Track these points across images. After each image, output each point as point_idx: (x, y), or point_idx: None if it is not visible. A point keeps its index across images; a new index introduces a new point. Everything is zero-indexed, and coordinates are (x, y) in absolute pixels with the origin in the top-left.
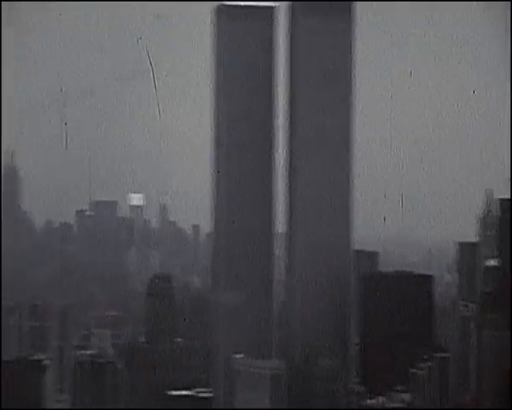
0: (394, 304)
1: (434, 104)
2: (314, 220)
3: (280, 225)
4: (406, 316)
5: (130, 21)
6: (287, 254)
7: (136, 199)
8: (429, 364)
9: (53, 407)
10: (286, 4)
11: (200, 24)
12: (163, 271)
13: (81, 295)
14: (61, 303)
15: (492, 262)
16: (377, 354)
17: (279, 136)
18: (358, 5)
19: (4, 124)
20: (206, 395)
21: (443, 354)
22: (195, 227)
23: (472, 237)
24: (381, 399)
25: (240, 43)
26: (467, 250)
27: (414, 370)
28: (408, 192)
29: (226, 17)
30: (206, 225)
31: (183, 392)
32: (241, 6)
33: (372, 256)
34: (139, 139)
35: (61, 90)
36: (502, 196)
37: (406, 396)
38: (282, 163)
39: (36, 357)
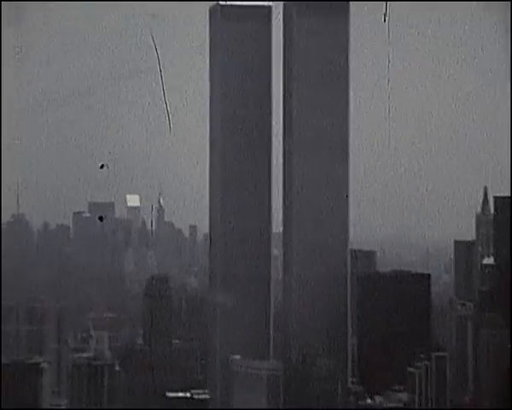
0: (392, 304)
1: (432, 104)
2: (311, 220)
3: (277, 225)
4: (404, 315)
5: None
6: (284, 254)
7: (134, 200)
8: (427, 363)
9: None
10: (282, 4)
11: (197, 24)
12: (160, 272)
13: (78, 297)
14: (59, 305)
15: (489, 260)
16: (375, 354)
17: (276, 136)
18: (355, 5)
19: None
20: (203, 396)
21: (440, 354)
22: (193, 228)
23: (469, 235)
24: (378, 399)
25: (235, 44)
26: (464, 249)
27: (411, 369)
28: (405, 191)
29: (221, 17)
30: (204, 226)
31: (181, 394)
32: (236, 6)
33: (369, 256)
34: (136, 139)
35: (58, 90)
36: (498, 195)
37: (404, 396)
38: (279, 163)
39: (33, 360)
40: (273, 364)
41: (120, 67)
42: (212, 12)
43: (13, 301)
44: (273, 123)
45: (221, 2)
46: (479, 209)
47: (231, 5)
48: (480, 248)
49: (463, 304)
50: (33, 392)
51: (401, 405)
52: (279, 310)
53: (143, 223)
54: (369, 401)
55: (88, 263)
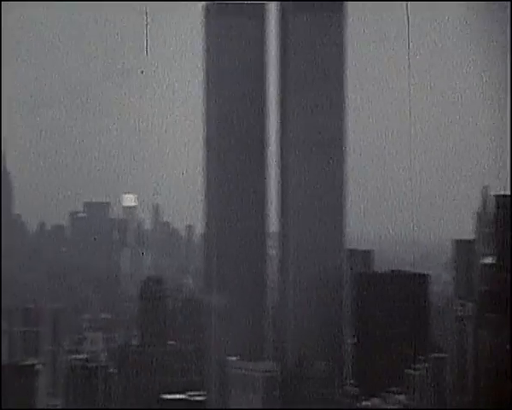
0: (389, 304)
1: (430, 102)
2: (307, 220)
3: (273, 225)
4: (402, 316)
5: (120, 20)
6: (280, 254)
7: (129, 200)
8: (425, 365)
9: None
10: (277, 2)
11: (191, 22)
12: (156, 272)
13: (74, 298)
14: (54, 307)
15: (489, 260)
16: (372, 356)
17: (271, 135)
18: (351, 3)
19: None
20: (199, 398)
21: (439, 355)
22: (189, 228)
23: (469, 234)
24: (376, 401)
25: (230, 42)
26: (463, 248)
27: (409, 371)
28: (403, 190)
29: (215, 16)
30: (200, 226)
31: (177, 395)
32: (231, 4)
33: (366, 255)
34: (131, 139)
35: (51, 89)
36: (498, 193)
37: (402, 398)
38: (274, 162)
39: (28, 362)
40: (269, 365)
41: (113, 65)
42: (206, 10)
43: (8, 302)
44: (269, 122)
45: (216, 2)
46: (478, 208)
47: (226, 3)
48: (479, 248)
49: (463, 304)
50: (28, 394)
51: (399, 407)
52: (275, 311)
53: (139, 223)
54: (366, 403)
55: (83, 263)
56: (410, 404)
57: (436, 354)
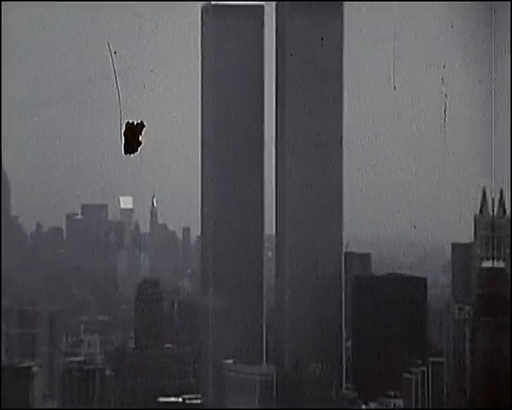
0: (387, 307)
1: (429, 103)
2: (305, 222)
3: (271, 226)
4: (399, 319)
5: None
6: (276, 256)
7: (127, 202)
8: (423, 369)
9: None
10: (275, 3)
11: (189, 23)
12: (153, 275)
13: (70, 301)
14: (50, 309)
15: (487, 263)
16: (369, 359)
17: (268, 136)
18: (349, 4)
19: None
20: (195, 401)
21: (437, 359)
22: (186, 230)
23: (468, 237)
24: (373, 405)
25: (228, 43)
26: (461, 251)
27: (407, 375)
28: (401, 192)
29: (213, 16)
30: (198, 228)
31: (173, 399)
32: (228, 5)
33: (364, 258)
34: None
35: (46, 90)
36: (496, 196)
37: (399, 402)
38: (271, 164)
39: (24, 364)
40: (266, 368)
41: (108, 66)
42: (204, 11)
43: (5, 303)
44: (266, 123)
45: (213, 2)
46: (477, 210)
47: (223, 4)
48: (478, 251)
49: (461, 308)
50: (24, 396)
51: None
52: (272, 314)
53: (137, 225)
54: (363, 406)
55: (81, 266)
56: (407, 408)
57: (433, 358)
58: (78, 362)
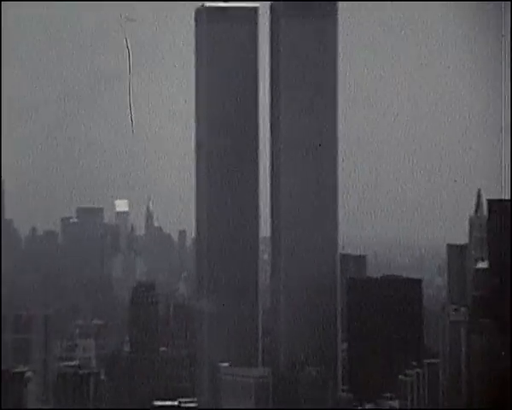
0: (383, 309)
1: (423, 106)
2: (300, 224)
3: (267, 229)
4: (395, 321)
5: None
6: (272, 259)
7: (122, 205)
8: (418, 370)
9: None
10: (269, 5)
11: (183, 27)
12: (148, 278)
13: (65, 304)
14: (45, 313)
15: (482, 265)
16: (365, 361)
17: (263, 139)
18: (342, 6)
19: None
20: (191, 404)
21: (432, 361)
22: (182, 233)
23: (463, 238)
24: (369, 406)
25: (222, 46)
26: (456, 253)
27: (403, 377)
28: (396, 194)
29: (207, 19)
30: (193, 231)
31: (168, 402)
32: (222, 7)
33: (360, 260)
34: (123, 144)
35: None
36: (491, 198)
37: (395, 403)
38: (266, 166)
39: (18, 369)
40: (261, 371)
41: (102, 70)
42: (197, 14)
43: None
44: (260, 126)
45: (206, 4)
46: (472, 212)
47: (217, 7)
48: (473, 252)
49: (456, 309)
50: (18, 401)
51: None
52: (267, 316)
53: (132, 228)
54: (359, 408)
55: (76, 269)
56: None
57: (429, 360)
58: (73, 366)
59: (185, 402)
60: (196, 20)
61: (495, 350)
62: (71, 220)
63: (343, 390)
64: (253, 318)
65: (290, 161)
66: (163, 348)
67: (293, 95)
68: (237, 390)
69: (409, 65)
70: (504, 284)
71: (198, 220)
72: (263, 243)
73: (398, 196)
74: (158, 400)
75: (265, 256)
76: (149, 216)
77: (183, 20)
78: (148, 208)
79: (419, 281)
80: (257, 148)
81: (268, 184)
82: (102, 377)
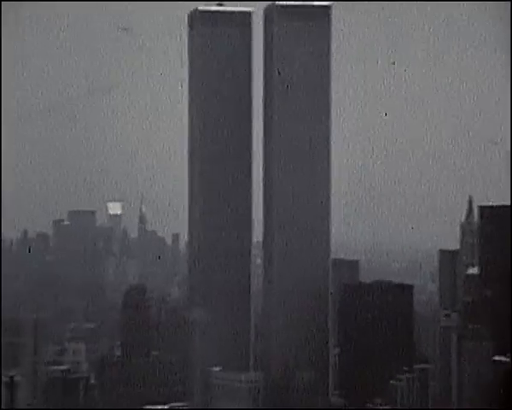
0: (374, 314)
1: (415, 112)
2: (292, 229)
3: (259, 234)
4: (386, 327)
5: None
6: (264, 264)
7: (115, 208)
8: (409, 376)
9: None
10: (263, 9)
11: (176, 32)
12: (141, 281)
13: (56, 308)
14: (36, 316)
15: (473, 271)
16: (356, 366)
17: (256, 144)
18: (336, 10)
19: None
20: (182, 409)
21: (423, 366)
22: (175, 236)
23: (455, 244)
24: None
25: (215, 50)
26: (448, 258)
27: (393, 382)
28: (389, 200)
29: (201, 23)
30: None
31: (159, 407)
32: (216, 11)
33: (352, 265)
34: (117, 148)
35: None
36: (483, 204)
37: (386, 408)
38: (259, 172)
39: (8, 373)
40: (253, 376)
41: (98, 80)
42: (191, 18)
43: None
44: (253, 131)
45: (200, 8)
46: (464, 218)
47: (211, 11)
48: (464, 258)
49: (447, 315)
50: (8, 406)
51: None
52: (259, 321)
53: (125, 231)
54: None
55: (67, 272)
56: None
57: (420, 365)
58: (62, 371)
59: (177, 406)
60: (190, 24)
61: (485, 356)
62: (63, 223)
63: (334, 395)
64: (245, 322)
65: (283, 165)
66: (155, 352)
67: (287, 99)
68: (229, 394)
69: (402, 71)
70: (495, 289)
71: (191, 226)
72: (256, 247)
73: (389, 202)
74: (149, 404)
75: (258, 261)
76: (142, 219)
77: (177, 26)
78: (141, 211)
79: (410, 287)
80: (250, 152)
81: (261, 189)
82: (92, 381)
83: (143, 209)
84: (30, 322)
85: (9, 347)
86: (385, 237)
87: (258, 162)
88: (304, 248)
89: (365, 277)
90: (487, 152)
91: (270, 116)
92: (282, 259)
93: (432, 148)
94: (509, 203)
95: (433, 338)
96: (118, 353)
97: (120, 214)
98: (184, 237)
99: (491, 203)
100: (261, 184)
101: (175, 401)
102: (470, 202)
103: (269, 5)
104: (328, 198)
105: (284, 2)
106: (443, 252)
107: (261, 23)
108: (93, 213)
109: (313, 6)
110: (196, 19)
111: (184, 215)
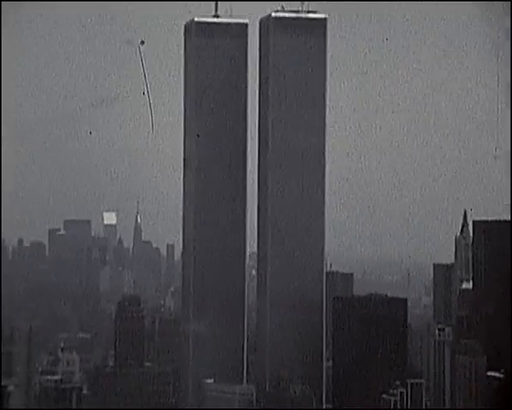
0: (367, 328)
1: (410, 121)
2: (287, 241)
3: (254, 245)
4: (380, 340)
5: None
6: (258, 276)
7: (110, 218)
8: (402, 390)
9: None
10: (258, 21)
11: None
12: (135, 292)
13: (51, 318)
14: (30, 326)
15: (467, 285)
16: (350, 380)
17: (251, 155)
18: (332, 21)
19: None
20: None
21: (416, 380)
22: (170, 247)
23: (450, 258)
24: None
25: (211, 61)
26: (442, 272)
27: (386, 396)
28: (384, 213)
29: (196, 34)
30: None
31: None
32: (212, 23)
33: (346, 278)
34: (112, 158)
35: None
36: (477, 218)
37: None
38: (254, 182)
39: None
40: (246, 388)
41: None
42: (187, 29)
43: None
44: (249, 140)
45: (196, 19)
46: (458, 232)
47: (207, 22)
48: (458, 272)
49: (441, 329)
50: None
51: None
52: (253, 333)
53: (120, 241)
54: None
55: (62, 282)
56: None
57: (413, 380)
58: (55, 381)
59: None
60: (185, 35)
61: (479, 371)
62: (58, 232)
63: (327, 408)
64: (239, 334)
65: (278, 177)
66: (148, 363)
67: (282, 109)
68: (222, 407)
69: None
70: (489, 305)
71: (185, 237)
72: (251, 258)
73: (384, 215)
74: None
75: (253, 272)
76: (137, 230)
77: (173, 37)
78: (136, 221)
79: (404, 300)
80: (245, 163)
81: (256, 201)
82: (85, 391)
83: (139, 220)
84: (23, 331)
85: (2, 356)
86: (380, 250)
87: (253, 173)
88: (298, 260)
89: (360, 290)
90: (487, 164)
91: (265, 128)
92: (275, 271)
93: (429, 157)
94: (502, 218)
95: (427, 352)
96: (111, 363)
97: (115, 224)
98: (181, 249)
99: (484, 218)
100: (256, 196)
101: None
102: (465, 217)
103: (265, 17)
104: (323, 210)
105: (280, 14)
106: (437, 266)
107: (257, 34)
108: (89, 222)
109: (309, 18)
110: (192, 30)
111: (179, 227)
